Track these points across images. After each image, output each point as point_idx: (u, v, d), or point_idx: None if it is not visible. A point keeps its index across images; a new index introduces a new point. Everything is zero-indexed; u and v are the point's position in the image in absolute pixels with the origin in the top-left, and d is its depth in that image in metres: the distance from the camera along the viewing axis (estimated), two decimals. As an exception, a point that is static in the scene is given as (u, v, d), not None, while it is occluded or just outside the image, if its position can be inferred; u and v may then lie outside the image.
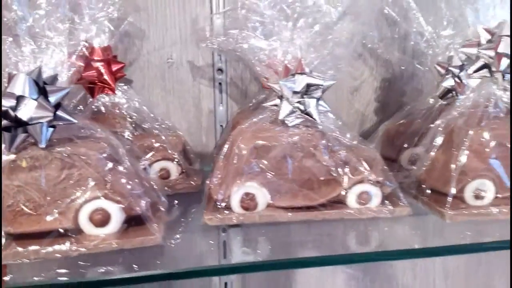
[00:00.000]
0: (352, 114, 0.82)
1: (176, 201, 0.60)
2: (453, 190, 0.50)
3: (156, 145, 0.63)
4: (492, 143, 0.50)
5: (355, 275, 0.87)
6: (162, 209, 0.50)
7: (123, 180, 0.45)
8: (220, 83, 0.76)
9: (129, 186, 0.45)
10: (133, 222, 0.46)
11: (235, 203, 0.50)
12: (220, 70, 0.76)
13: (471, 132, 0.50)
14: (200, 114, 0.77)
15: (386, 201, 0.52)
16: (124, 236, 0.45)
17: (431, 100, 0.66)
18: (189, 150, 0.69)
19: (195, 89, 0.76)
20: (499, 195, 0.51)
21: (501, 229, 0.49)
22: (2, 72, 0.45)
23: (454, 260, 0.89)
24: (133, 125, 0.63)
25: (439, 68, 0.67)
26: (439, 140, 0.54)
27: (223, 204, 0.51)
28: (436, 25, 0.69)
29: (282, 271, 0.84)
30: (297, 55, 0.55)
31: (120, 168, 0.45)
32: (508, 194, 0.51)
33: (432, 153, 0.54)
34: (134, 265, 0.45)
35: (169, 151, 0.63)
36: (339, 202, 0.52)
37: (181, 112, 0.77)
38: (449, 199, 0.50)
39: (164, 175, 0.63)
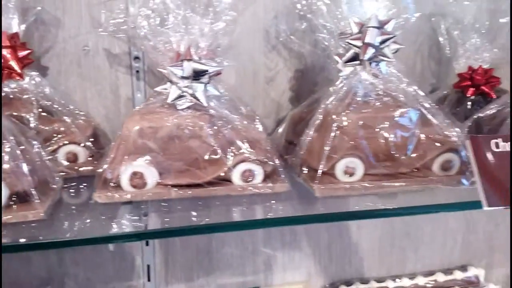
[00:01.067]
0: (268, 103, 0.86)
1: (84, 184, 0.64)
2: (323, 167, 0.55)
3: (62, 129, 0.65)
4: (360, 125, 0.55)
5: (273, 255, 0.92)
6: (55, 187, 0.53)
7: (6, 158, 0.47)
8: (137, 71, 0.79)
9: (11, 164, 0.47)
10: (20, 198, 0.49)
11: (124, 181, 0.54)
12: (137, 58, 0.78)
13: (340, 116, 0.56)
14: (118, 101, 0.80)
15: (268, 179, 0.57)
16: (8, 210, 0.47)
17: (331, 89, 0.71)
18: (101, 134, 0.72)
19: (112, 76, 0.79)
20: (367, 172, 0.57)
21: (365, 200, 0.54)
22: None
23: (368, 242, 0.96)
24: (40, 110, 0.66)
25: (337, 58, 0.72)
26: (317, 124, 0.59)
27: (113, 183, 0.54)
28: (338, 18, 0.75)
29: (205, 253, 0.88)
30: (193, 43, 0.59)
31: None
32: (375, 171, 0.57)
33: (310, 136, 0.59)
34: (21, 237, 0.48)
35: (77, 135, 0.66)
36: (225, 180, 0.56)
37: (98, 98, 0.79)
38: (319, 175, 0.55)
39: (71, 158, 0.66)
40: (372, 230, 0.95)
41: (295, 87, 0.87)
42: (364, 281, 0.95)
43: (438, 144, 0.58)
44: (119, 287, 0.85)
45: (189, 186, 0.55)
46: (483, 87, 0.79)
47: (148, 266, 0.85)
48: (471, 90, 0.80)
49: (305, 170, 0.58)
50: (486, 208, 0.51)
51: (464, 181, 0.57)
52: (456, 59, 0.84)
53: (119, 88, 0.79)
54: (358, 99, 0.57)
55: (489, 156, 0.53)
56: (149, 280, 0.86)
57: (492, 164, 0.52)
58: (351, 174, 0.57)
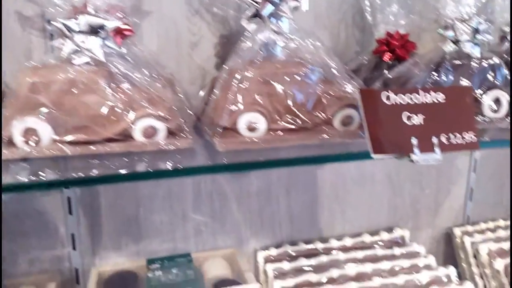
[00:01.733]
0: (194, 69, 0.86)
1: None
2: (224, 123, 0.56)
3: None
4: (261, 81, 0.56)
5: (203, 221, 0.93)
6: None
7: None
8: (51, 34, 0.77)
9: None
10: None
11: (16, 138, 0.53)
12: (49, 21, 0.76)
13: (241, 72, 0.56)
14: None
15: (172, 136, 0.57)
16: None
17: (237, 47, 0.71)
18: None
19: (25, 40, 0.76)
20: (270, 127, 0.58)
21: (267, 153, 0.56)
22: None
23: (298, 206, 0.98)
24: None
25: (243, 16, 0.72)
26: (222, 82, 0.59)
27: (6, 140, 0.53)
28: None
29: (133, 221, 0.88)
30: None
31: None
32: (278, 126, 0.58)
33: (216, 94, 0.59)
34: None
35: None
36: (128, 136, 0.56)
37: (11, 62, 0.76)
38: (219, 129, 0.56)
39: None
40: (302, 194, 0.98)
41: (220, 52, 0.87)
42: (294, 243, 0.97)
43: (337, 100, 0.60)
44: (44, 257, 0.84)
45: (88, 143, 0.55)
46: (398, 52, 0.82)
47: (73, 235, 0.85)
48: (388, 54, 0.83)
49: (211, 127, 0.59)
50: (373, 155, 0.53)
51: (361, 134, 0.59)
52: (376, 26, 0.87)
53: (32, 52, 0.77)
54: (260, 56, 0.58)
55: (379, 108, 0.55)
56: (74, 249, 0.85)
57: (381, 116, 0.55)
58: (254, 130, 0.58)
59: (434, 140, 0.56)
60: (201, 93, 0.78)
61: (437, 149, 0.56)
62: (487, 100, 0.69)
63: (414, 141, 0.56)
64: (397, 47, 0.82)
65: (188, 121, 0.62)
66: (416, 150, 0.55)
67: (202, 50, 0.86)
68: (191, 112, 0.67)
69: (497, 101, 0.70)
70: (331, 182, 0.99)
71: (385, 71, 0.80)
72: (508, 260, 0.96)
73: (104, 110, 0.54)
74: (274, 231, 0.99)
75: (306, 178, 0.97)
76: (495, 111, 0.70)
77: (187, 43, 0.85)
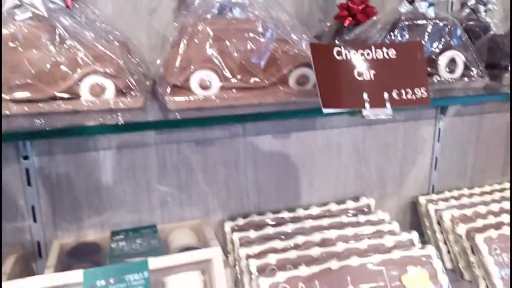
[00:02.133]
0: (153, 35, 0.84)
1: None
2: (175, 81, 0.55)
3: None
4: (212, 37, 0.55)
5: (169, 192, 0.92)
6: None
7: None
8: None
9: None
10: None
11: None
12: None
13: (192, 29, 0.55)
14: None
15: (122, 95, 0.56)
16: None
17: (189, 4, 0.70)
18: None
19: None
20: (223, 86, 0.57)
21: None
22: None
23: (265, 177, 0.98)
24: None
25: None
26: (174, 40, 0.58)
27: None
28: None
29: (95, 192, 0.86)
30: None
31: None
32: (231, 84, 0.57)
33: (169, 53, 0.58)
34: None
35: None
36: (75, 94, 0.55)
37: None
38: (168, 88, 0.55)
39: None
40: (268, 165, 0.98)
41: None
42: (261, 214, 0.98)
43: (293, 59, 0.60)
44: (4, 229, 0.83)
45: (34, 101, 0.53)
46: (359, 16, 0.82)
47: (33, 207, 0.83)
48: (349, 19, 0.83)
49: (164, 87, 0.58)
50: (324, 110, 0.53)
51: (317, 93, 0.59)
52: (338, -9, 0.87)
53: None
54: (212, 12, 0.57)
55: (331, 63, 0.55)
56: (35, 221, 0.83)
57: (332, 71, 0.55)
58: (206, 88, 0.57)
59: (385, 95, 0.57)
60: (159, 61, 0.77)
61: (388, 104, 0.57)
62: (442, 60, 0.70)
63: (365, 96, 0.56)
64: (358, 12, 0.82)
65: (142, 84, 0.60)
66: (367, 105, 0.55)
67: (161, 16, 0.84)
68: (146, 75, 0.66)
69: (452, 61, 0.71)
70: (298, 153, 1.00)
71: (346, 37, 0.80)
72: (470, 225, 0.98)
73: (48, 66, 0.53)
74: (241, 202, 0.99)
75: (272, 149, 0.98)
76: (451, 72, 0.71)
77: (145, 8, 0.83)
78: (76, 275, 0.62)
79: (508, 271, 0.92)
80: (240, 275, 0.87)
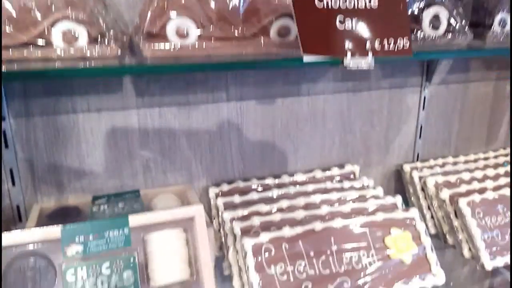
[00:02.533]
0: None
1: None
2: (151, 28, 0.53)
3: None
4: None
5: (152, 157, 0.91)
6: None
7: None
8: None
9: None
10: None
11: None
12: None
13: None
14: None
15: (96, 43, 0.54)
16: None
17: None
18: None
19: None
20: (202, 35, 0.56)
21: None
22: None
23: (250, 144, 0.98)
24: None
25: None
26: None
27: None
28: None
29: (75, 157, 0.85)
30: None
31: None
32: (210, 33, 0.56)
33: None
34: None
35: None
36: (48, 42, 0.53)
37: None
38: (143, 35, 0.53)
39: None
40: (253, 132, 0.97)
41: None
42: (246, 180, 0.97)
43: (274, 9, 0.58)
44: (-19, 194, 0.81)
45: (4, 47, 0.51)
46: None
47: (11, 170, 0.81)
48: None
49: (139, 35, 0.56)
50: (304, 57, 0.52)
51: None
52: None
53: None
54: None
55: (312, 10, 0.54)
56: (14, 185, 0.82)
57: (313, 18, 0.54)
58: (184, 36, 0.56)
59: (367, 45, 0.56)
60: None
61: (370, 54, 0.56)
62: (426, 16, 0.69)
63: (347, 44, 0.55)
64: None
65: (118, 36, 0.59)
66: (348, 54, 0.55)
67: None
68: (124, 31, 0.64)
69: (436, 18, 0.70)
70: (283, 119, 0.99)
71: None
72: (453, 190, 0.99)
73: (18, 12, 0.50)
74: (226, 169, 0.98)
75: (257, 115, 0.96)
76: (435, 28, 0.70)
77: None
78: (55, 231, 0.61)
79: (490, 234, 0.93)
80: (225, 238, 0.87)
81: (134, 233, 0.66)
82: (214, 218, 0.93)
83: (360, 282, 0.80)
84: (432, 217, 1.04)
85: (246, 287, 0.79)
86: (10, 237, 0.60)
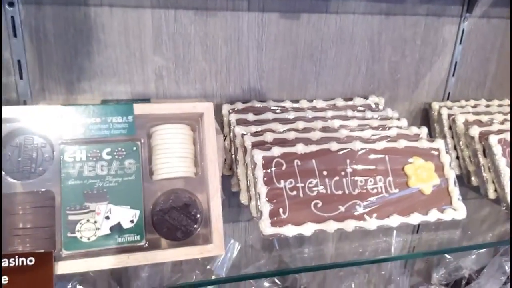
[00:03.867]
0: None
1: None
2: None
3: None
4: None
5: (165, 65, 0.86)
6: None
7: None
8: None
9: None
10: None
11: None
12: None
13: None
14: None
15: None
16: None
17: None
18: None
19: None
20: None
21: None
22: None
23: (269, 62, 0.91)
24: None
25: None
26: None
27: None
28: None
29: (85, 55, 0.81)
30: None
31: None
32: None
33: None
34: None
35: None
36: None
37: None
38: None
39: None
40: (274, 49, 0.91)
41: None
42: (262, 101, 0.92)
43: None
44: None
45: None
46: None
47: (19, 62, 0.78)
48: None
49: None
50: None
51: None
52: None
53: None
54: None
55: None
56: (21, 78, 0.79)
57: None
58: None
59: None
60: None
61: None
62: None
63: None
64: None
65: None
66: None
67: None
68: None
69: None
70: (307, 38, 0.92)
71: None
72: (484, 128, 0.92)
73: None
74: (242, 88, 0.93)
75: (279, 30, 0.90)
76: None
77: None
78: (56, 110, 0.58)
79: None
80: (235, 154, 0.83)
81: (139, 123, 0.62)
82: (225, 136, 0.89)
83: (374, 207, 0.76)
84: (457, 157, 0.97)
85: (253, 202, 0.75)
86: (10, 111, 0.57)
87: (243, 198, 0.80)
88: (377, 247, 0.80)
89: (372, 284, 1.02)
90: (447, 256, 1.07)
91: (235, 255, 0.95)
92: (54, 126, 0.58)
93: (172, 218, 0.60)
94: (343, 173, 0.76)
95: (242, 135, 0.80)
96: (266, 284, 0.94)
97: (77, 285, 0.86)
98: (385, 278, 1.04)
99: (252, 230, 0.97)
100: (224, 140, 0.88)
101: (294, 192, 0.74)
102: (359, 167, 0.77)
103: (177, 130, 0.64)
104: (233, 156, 0.84)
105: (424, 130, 0.87)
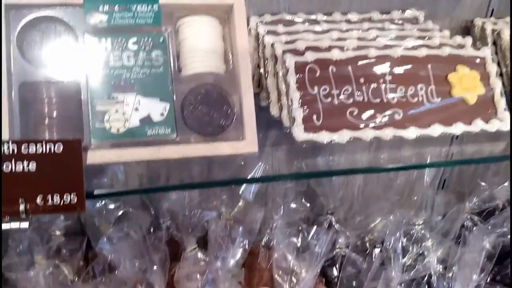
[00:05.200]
0: None
1: None
2: None
3: None
4: None
5: None
6: None
7: None
8: None
9: None
10: None
11: None
12: None
13: None
14: None
15: None
16: None
17: None
18: None
19: None
20: None
21: None
22: None
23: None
24: None
25: None
26: None
27: None
28: None
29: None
30: None
31: None
32: None
33: None
34: None
35: None
36: None
37: None
38: None
39: None
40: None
41: None
42: (293, 14, 0.86)
43: None
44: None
45: None
46: None
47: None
48: None
49: None
50: None
51: None
52: None
53: None
54: None
55: None
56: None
57: None
58: None
59: None
60: None
61: None
62: None
63: None
64: None
65: None
66: None
67: None
68: None
69: None
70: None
71: None
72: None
73: None
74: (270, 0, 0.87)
75: None
76: None
77: None
78: (78, -4, 0.54)
79: None
80: (264, 67, 0.78)
81: (165, 14, 0.58)
82: (254, 51, 0.84)
83: (414, 116, 0.71)
84: (501, 74, 0.90)
85: (285, 111, 0.72)
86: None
87: (274, 110, 0.76)
88: (411, 159, 0.76)
89: (403, 214, 0.99)
90: (482, 183, 1.03)
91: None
92: (76, 13, 0.55)
93: (203, 113, 0.57)
94: (381, 80, 0.71)
95: (272, 44, 0.75)
96: (293, 205, 0.92)
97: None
98: (416, 204, 1.01)
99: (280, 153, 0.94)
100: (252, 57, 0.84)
101: (329, 99, 0.69)
102: (399, 74, 0.72)
103: (205, 22, 0.59)
104: (262, 70, 0.80)
105: (468, 40, 0.80)
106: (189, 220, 0.88)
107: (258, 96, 0.84)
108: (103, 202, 0.87)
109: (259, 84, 0.84)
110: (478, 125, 0.72)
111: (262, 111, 0.81)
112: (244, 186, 0.93)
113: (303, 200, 0.93)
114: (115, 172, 0.76)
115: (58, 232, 0.87)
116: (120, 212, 0.86)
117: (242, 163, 0.67)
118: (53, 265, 0.75)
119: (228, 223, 0.90)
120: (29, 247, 0.79)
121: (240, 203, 0.94)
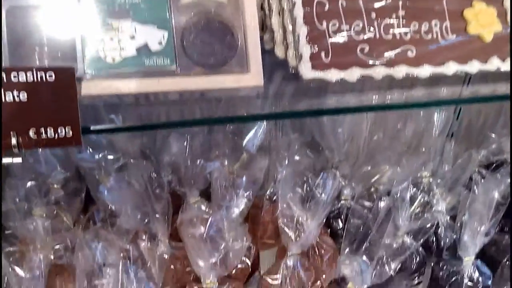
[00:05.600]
0: None
1: None
2: None
3: None
4: None
5: None
6: None
7: None
8: None
9: None
10: None
11: None
12: None
13: None
14: None
15: None
16: None
17: None
18: None
19: None
20: None
21: None
22: None
23: None
24: None
25: None
26: None
27: None
28: None
29: None
30: None
31: None
32: None
33: None
34: None
35: None
36: None
37: None
38: None
39: None
40: None
41: None
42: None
43: None
44: None
45: None
46: None
47: None
48: None
49: None
50: None
51: None
52: None
53: None
54: None
55: None
56: None
57: None
58: None
59: None
60: None
61: None
62: None
63: None
64: None
65: None
66: None
67: None
68: None
69: None
70: None
71: None
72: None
73: None
74: None
75: None
76: None
77: None
78: None
79: None
80: (268, 5, 0.73)
81: None
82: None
83: (427, 53, 0.67)
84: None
85: (291, 50, 0.67)
86: None
87: (279, 51, 0.72)
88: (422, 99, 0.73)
89: (411, 165, 0.96)
90: (492, 135, 1.00)
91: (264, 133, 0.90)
92: None
93: (204, 43, 0.53)
94: (394, 15, 0.67)
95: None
96: (297, 157, 0.89)
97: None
98: (424, 156, 0.98)
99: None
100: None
101: (338, 35, 0.65)
102: (413, 9, 0.68)
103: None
104: (266, 10, 0.75)
105: (485, -24, 0.75)
106: (191, 172, 0.85)
107: (262, 40, 0.80)
108: (101, 155, 0.84)
109: (262, 27, 0.80)
110: (494, 64, 0.68)
111: (266, 55, 0.77)
112: (247, 138, 0.90)
113: (308, 151, 0.91)
114: (112, 119, 0.73)
115: (56, 185, 0.85)
116: (120, 163, 0.84)
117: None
118: (52, 214, 0.72)
119: (232, 176, 0.88)
120: (26, 198, 0.77)
121: (244, 155, 0.91)
